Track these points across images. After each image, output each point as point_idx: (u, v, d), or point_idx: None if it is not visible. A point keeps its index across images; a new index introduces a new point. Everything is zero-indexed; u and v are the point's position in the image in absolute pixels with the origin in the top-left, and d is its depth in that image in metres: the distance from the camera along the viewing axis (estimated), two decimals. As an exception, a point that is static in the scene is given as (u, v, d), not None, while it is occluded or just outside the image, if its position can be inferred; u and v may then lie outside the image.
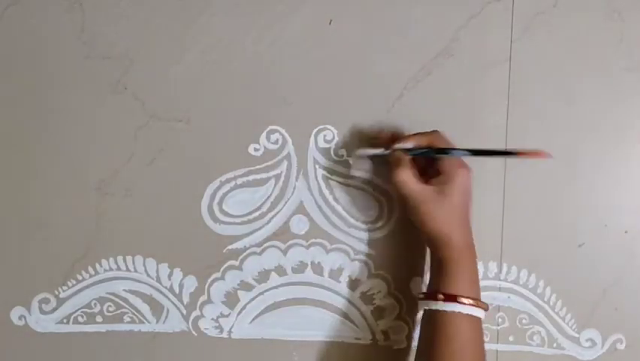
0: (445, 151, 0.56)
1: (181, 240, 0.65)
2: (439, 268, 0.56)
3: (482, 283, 0.64)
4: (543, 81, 0.63)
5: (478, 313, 0.54)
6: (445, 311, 0.54)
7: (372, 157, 0.62)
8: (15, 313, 0.66)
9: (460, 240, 0.55)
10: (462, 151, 0.55)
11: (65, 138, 0.65)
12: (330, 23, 0.64)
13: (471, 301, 0.54)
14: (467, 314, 0.54)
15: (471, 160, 0.64)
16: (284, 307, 0.65)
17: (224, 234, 0.65)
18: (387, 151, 0.58)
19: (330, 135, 0.64)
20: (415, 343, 0.64)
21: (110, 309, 0.66)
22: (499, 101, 0.63)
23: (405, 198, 0.56)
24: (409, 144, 0.57)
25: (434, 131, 0.58)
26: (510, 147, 0.63)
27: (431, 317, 0.55)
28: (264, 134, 0.64)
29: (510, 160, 0.63)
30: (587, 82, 0.63)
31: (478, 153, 0.55)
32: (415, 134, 0.58)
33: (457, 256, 0.55)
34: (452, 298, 0.54)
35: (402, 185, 0.56)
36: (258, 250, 0.65)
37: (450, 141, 0.57)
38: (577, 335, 0.64)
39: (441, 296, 0.54)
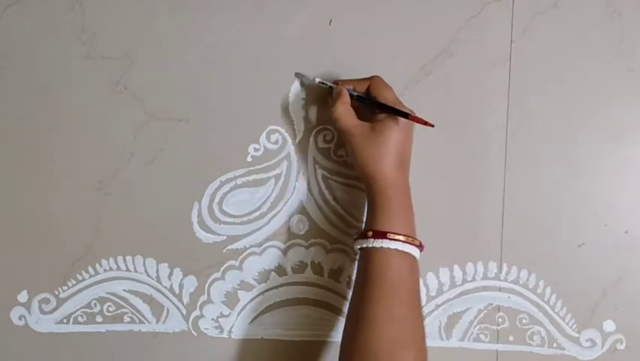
0: (357, 97, 0.59)
1: (181, 240, 0.65)
2: (370, 205, 0.57)
3: (482, 283, 0.64)
4: (543, 81, 0.63)
5: (410, 249, 0.54)
6: (374, 248, 0.54)
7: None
8: (15, 313, 0.66)
9: (391, 178, 0.55)
10: (371, 101, 0.58)
11: (65, 138, 0.65)
12: (330, 23, 0.64)
13: (401, 238, 0.54)
14: (397, 250, 0.54)
15: (470, 160, 0.64)
16: (284, 307, 0.65)
17: (224, 234, 0.65)
18: (332, 84, 0.61)
19: (330, 135, 0.64)
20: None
21: (110, 309, 0.66)
22: (499, 101, 0.63)
23: (340, 133, 0.58)
24: (348, 86, 0.59)
25: (374, 77, 0.59)
26: (509, 145, 0.63)
27: (363, 255, 0.56)
28: (264, 135, 0.64)
29: (510, 160, 0.63)
30: (587, 82, 0.63)
31: (382, 106, 0.57)
32: (356, 80, 0.60)
33: (388, 194, 0.55)
34: (381, 234, 0.54)
35: (338, 118, 0.57)
36: (258, 250, 0.65)
37: (386, 86, 0.58)
38: (577, 335, 0.64)
39: (370, 233, 0.55)
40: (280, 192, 0.65)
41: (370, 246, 0.54)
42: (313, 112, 0.64)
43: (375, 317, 0.52)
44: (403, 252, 0.54)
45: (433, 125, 0.55)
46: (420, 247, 0.55)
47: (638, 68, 0.63)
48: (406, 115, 0.55)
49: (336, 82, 0.61)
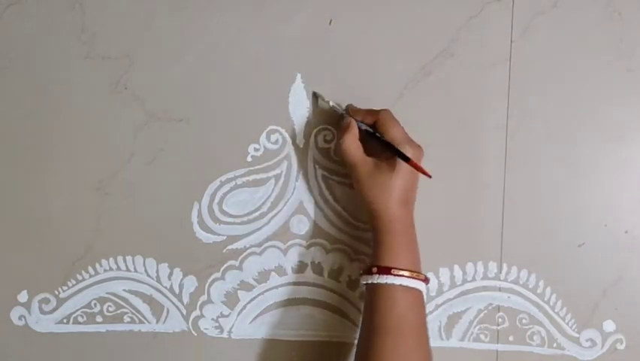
0: (365, 130, 0.58)
1: (181, 240, 0.65)
2: (375, 241, 0.57)
3: (482, 283, 0.64)
4: (543, 81, 0.63)
5: (415, 284, 0.54)
6: (379, 284, 0.54)
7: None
8: (15, 313, 0.66)
9: (395, 214, 0.55)
10: (377, 138, 0.57)
11: (65, 138, 0.65)
12: (330, 23, 0.64)
13: (406, 273, 0.54)
14: (402, 286, 0.54)
15: (471, 160, 0.64)
16: (284, 307, 0.65)
17: (224, 234, 0.65)
18: (344, 112, 0.61)
19: (330, 135, 0.64)
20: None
21: (110, 309, 0.66)
22: (499, 101, 0.63)
23: (347, 165, 0.58)
24: (358, 116, 0.59)
25: (382, 110, 0.59)
26: (509, 145, 0.63)
27: (368, 290, 0.56)
28: (264, 135, 0.64)
29: (510, 160, 0.63)
30: (587, 82, 0.63)
31: (387, 145, 0.56)
32: (366, 110, 0.59)
33: (392, 229, 0.55)
34: (386, 270, 0.54)
35: (346, 150, 0.57)
36: (258, 250, 0.65)
37: (394, 122, 0.57)
38: (577, 335, 0.64)
39: (374, 269, 0.55)
40: (280, 192, 0.65)
41: (375, 282, 0.54)
42: (313, 112, 0.64)
43: (381, 352, 0.52)
44: (408, 287, 0.54)
45: (430, 176, 0.55)
46: (425, 280, 0.55)
47: (638, 68, 0.63)
48: (407, 159, 0.55)
49: (347, 107, 0.61)
